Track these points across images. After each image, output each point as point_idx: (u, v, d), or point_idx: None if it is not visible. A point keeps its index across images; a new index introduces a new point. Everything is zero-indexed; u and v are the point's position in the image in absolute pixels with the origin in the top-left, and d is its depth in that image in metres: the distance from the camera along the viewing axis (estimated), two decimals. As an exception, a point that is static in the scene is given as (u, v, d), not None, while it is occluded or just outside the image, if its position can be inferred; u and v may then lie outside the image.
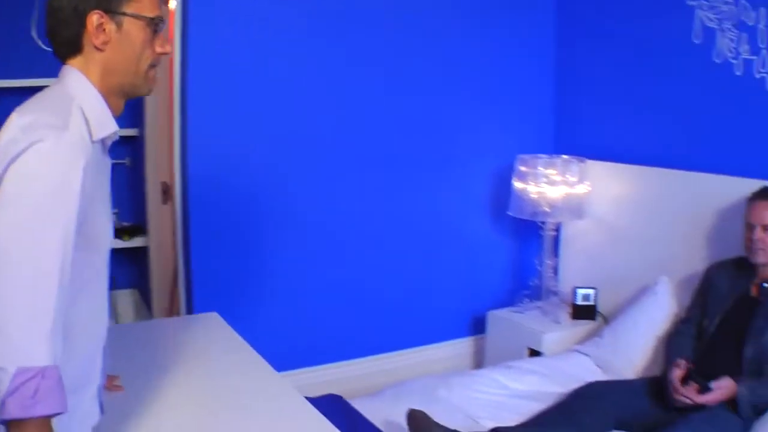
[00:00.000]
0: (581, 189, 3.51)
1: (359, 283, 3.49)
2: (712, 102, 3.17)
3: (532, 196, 3.47)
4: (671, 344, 2.78)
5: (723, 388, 2.34)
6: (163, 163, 3.16)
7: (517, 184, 3.53)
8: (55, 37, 1.32)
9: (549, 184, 3.45)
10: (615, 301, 3.40)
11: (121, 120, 1.40)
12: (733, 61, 3.03)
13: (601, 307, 3.49)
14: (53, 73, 1.35)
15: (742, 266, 2.68)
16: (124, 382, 1.80)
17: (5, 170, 1.16)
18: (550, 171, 3.46)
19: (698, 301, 2.84)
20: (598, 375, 2.92)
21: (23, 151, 1.16)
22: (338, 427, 2.32)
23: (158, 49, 1.38)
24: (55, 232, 1.17)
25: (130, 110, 3.66)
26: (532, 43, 3.87)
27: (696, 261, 3.08)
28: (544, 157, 3.51)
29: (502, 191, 3.74)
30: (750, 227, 2.60)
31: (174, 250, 3.18)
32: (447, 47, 3.56)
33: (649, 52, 3.43)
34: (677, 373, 2.49)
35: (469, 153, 3.71)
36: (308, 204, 3.30)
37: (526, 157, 3.53)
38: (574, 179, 3.48)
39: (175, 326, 2.64)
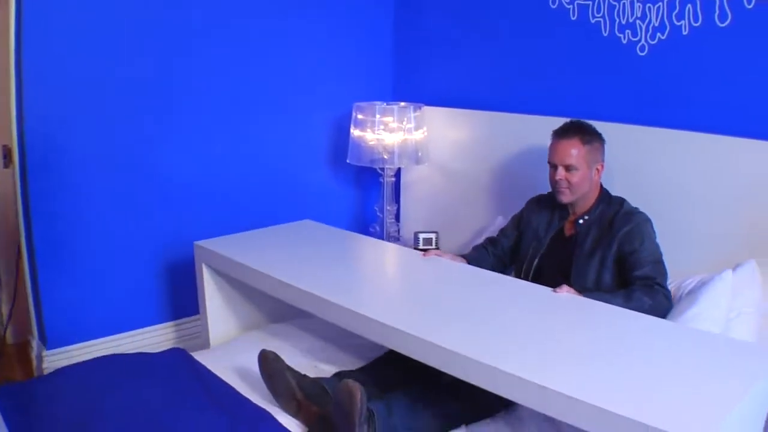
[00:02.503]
0: (418, 135, 3.56)
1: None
2: (547, 46, 3.26)
3: (370, 143, 3.49)
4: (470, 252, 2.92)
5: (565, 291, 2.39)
6: (5, 124, 2.94)
7: (355, 132, 3.53)
8: None
9: (387, 131, 3.48)
10: (456, 244, 3.47)
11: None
12: (568, 6, 3.13)
13: (443, 250, 3.57)
14: None
15: (558, 203, 2.73)
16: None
17: None
18: (387, 118, 3.48)
19: (511, 231, 2.92)
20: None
21: None
22: (183, 381, 2.31)
23: None
24: None
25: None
26: (370, -9, 3.86)
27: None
28: (380, 105, 3.53)
29: (341, 139, 3.75)
30: (553, 167, 2.66)
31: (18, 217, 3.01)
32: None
33: (485, -2, 3.51)
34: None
35: (307, 102, 3.67)
36: (150, 160, 3.18)
37: (362, 104, 3.54)
38: (411, 126, 3.51)
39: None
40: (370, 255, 2.96)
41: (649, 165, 2.86)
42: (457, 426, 2.18)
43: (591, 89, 3.12)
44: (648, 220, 2.58)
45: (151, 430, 1.99)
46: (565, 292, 2.35)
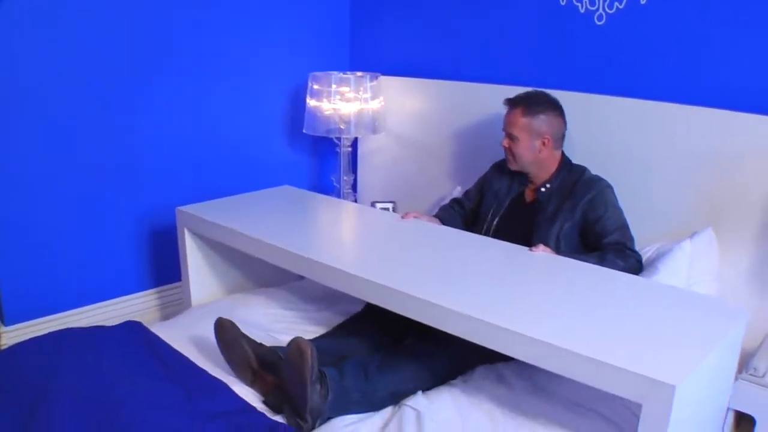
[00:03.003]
0: (375, 105, 3.56)
1: (160, 212, 3.39)
2: (505, 16, 3.27)
3: (326, 113, 3.48)
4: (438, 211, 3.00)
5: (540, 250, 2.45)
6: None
7: (311, 102, 3.51)
8: None
9: (343, 101, 3.47)
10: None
11: None
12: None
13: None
14: None
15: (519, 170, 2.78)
16: None
17: None
18: (343, 88, 3.47)
19: (475, 193, 2.99)
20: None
21: None
22: (138, 354, 2.30)
23: None
24: None
25: None
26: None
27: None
28: (336, 74, 3.51)
29: (298, 109, 3.72)
30: (504, 134, 2.72)
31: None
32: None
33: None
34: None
35: (263, 72, 3.64)
36: (108, 132, 3.13)
37: (318, 74, 3.52)
38: (367, 95, 3.51)
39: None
40: (351, 218, 2.99)
41: (607, 134, 2.89)
42: (413, 391, 2.21)
43: (549, 58, 3.14)
44: (609, 187, 2.63)
45: (106, 404, 1.98)
46: (541, 251, 2.42)
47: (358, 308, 2.69)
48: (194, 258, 2.96)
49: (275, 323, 2.67)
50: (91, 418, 1.93)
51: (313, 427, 2.05)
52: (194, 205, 2.96)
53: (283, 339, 2.48)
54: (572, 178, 2.68)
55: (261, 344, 2.28)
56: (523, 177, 2.78)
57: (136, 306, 3.43)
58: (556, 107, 2.69)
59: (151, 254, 3.45)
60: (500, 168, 2.90)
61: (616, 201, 2.62)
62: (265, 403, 2.16)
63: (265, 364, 2.21)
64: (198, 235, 2.92)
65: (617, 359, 1.67)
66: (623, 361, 1.66)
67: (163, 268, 3.50)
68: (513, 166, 2.72)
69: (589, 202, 2.58)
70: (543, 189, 2.71)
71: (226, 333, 2.24)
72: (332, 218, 2.95)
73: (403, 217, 2.81)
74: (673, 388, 1.57)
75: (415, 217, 2.81)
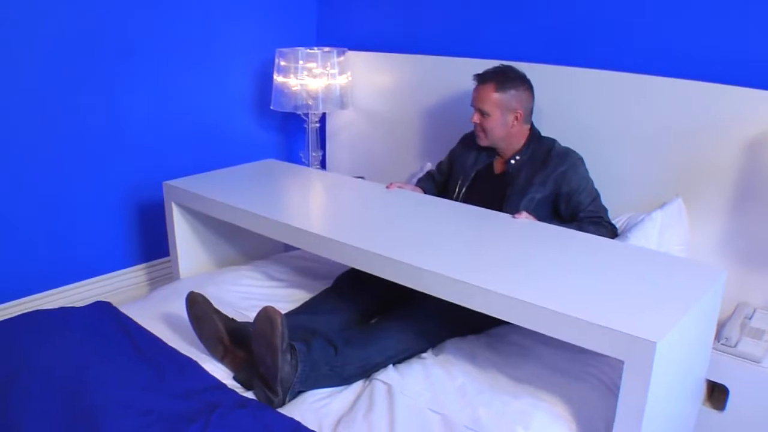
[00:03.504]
0: (342, 80, 3.55)
1: (143, 188, 3.37)
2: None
3: (294, 89, 3.47)
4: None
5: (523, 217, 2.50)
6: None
7: (278, 79, 3.50)
8: None
9: (310, 76, 3.45)
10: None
11: None
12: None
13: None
14: None
15: None
16: None
17: None
18: (310, 64, 3.45)
19: (446, 165, 3.02)
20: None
21: None
22: (108, 334, 2.29)
23: None
24: None
25: None
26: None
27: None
28: (303, 50, 3.49)
29: (266, 86, 3.71)
30: (473, 109, 2.73)
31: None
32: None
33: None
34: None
35: (230, 49, 3.62)
36: (81, 107, 3.09)
37: (285, 50, 3.50)
38: (334, 71, 3.50)
39: None
40: (337, 189, 2.99)
41: (574, 106, 2.91)
42: (384, 365, 2.23)
43: (514, 31, 3.15)
44: (581, 159, 2.66)
45: (77, 386, 1.98)
46: (524, 218, 2.45)
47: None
48: (182, 232, 2.97)
49: (246, 300, 2.68)
50: (62, 400, 1.93)
51: (284, 402, 2.06)
52: (181, 179, 2.97)
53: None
54: (542, 150, 2.70)
55: (233, 319, 2.28)
56: (491, 149, 2.80)
57: (125, 281, 3.44)
58: (524, 81, 2.70)
59: (138, 230, 3.45)
60: (468, 140, 2.92)
61: (588, 173, 2.66)
62: (235, 379, 2.17)
63: (236, 340, 2.22)
64: (185, 209, 2.93)
65: (600, 318, 1.72)
66: (605, 320, 1.71)
67: (152, 244, 3.50)
68: (483, 142, 2.73)
69: (562, 174, 2.61)
70: (513, 161, 2.73)
71: (198, 307, 2.24)
72: (318, 189, 2.95)
73: (387, 187, 2.83)
74: (653, 344, 1.61)
75: (399, 186, 2.84)
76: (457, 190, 2.82)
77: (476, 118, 2.69)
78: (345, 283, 2.62)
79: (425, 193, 2.92)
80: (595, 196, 2.63)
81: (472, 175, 2.81)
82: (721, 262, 2.62)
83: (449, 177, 2.95)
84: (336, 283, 2.65)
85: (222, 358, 2.22)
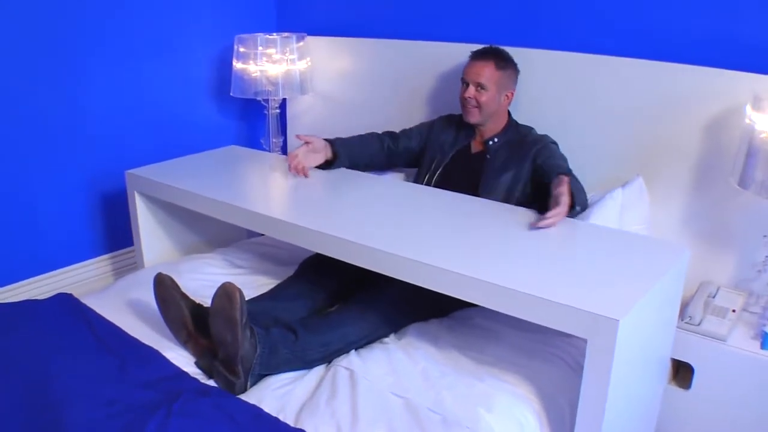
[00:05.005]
0: (302, 65, 3.52)
1: (104, 178, 3.32)
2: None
3: (253, 75, 3.43)
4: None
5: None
6: None
7: (237, 65, 3.46)
8: None
9: (270, 62, 3.42)
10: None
11: None
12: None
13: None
14: None
15: (464, 125, 2.82)
16: None
17: None
18: (269, 50, 3.42)
19: (416, 135, 2.98)
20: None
21: None
22: (70, 326, 2.26)
23: None
24: None
25: None
26: None
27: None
28: (262, 36, 3.45)
29: (225, 73, 3.66)
30: (465, 84, 2.72)
31: None
32: None
33: None
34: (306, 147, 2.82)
35: (188, 36, 3.56)
36: (41, 99, 3.02)
37: (244, 36, 3.46)
38: (294, 57, 3.47)
39: None
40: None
41: (535, 87, 2.90)
42: (346, 350, 2.23)
43: (475, 13, 3.13)
44: (555, 142, 2.71)
45: (38, 378, 1.96)
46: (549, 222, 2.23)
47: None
48: (146, 221, 2.95)
49: (209, 289, 2.62)
50: (25, 394, 1.91)
51: (246, 385, 2.05)
52: (144, 167, 2.93)
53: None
54: (520, 135, 2.75)
55: (199, 305, 2.26)
56: (469, 130, 2.82)
57: (89, 273, 3.39)
58: (515, 66, 2.77)
59: (101, 220, 3.40)
60: (448, 120, 2.95)
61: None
62: (197, 365, 2.15)
63: (200, 326, 2.19)
64: (149, 198, 2.90)
65: (563, 297, 1.73)
66: (568, 299, 1.72)
67: (115, 234, 3.46)
68: (474, 118, 2.72)
69: (539, 150, 2.64)
70: (491, 142, 2.75)
71: (165, 290, 2.22)
72: (280, 175, 2.91)
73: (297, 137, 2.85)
74: (616, 322, 1.62)
75: (306, 141, 2.83)
76: (432, 168, 2.83)
77: (471, 92, 2.68)
78: (309, 269, 2.61)
79: (344, 146, 2.90)
80: (568, 167, 2.64)
81: (450, 155, 2.82)
82: (683, 241, 2.64)
83: (423, 150, 2.93)
84: (299, 269, 2.64)
85: (185, 342, 2.20)
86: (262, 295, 2.52)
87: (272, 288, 2.57)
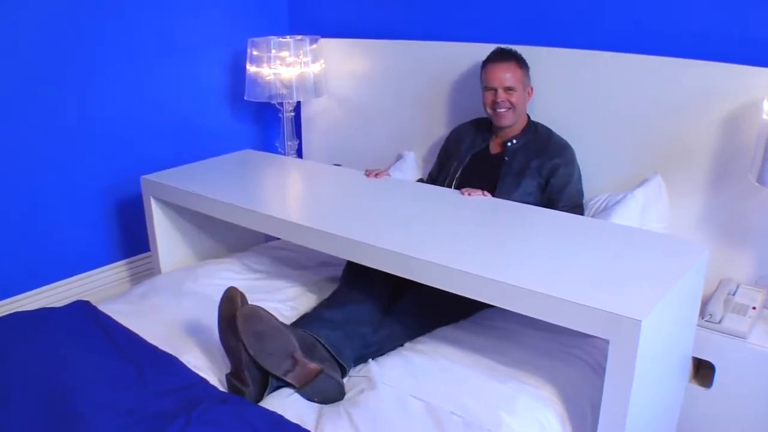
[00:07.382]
0: (316, 68, 3.51)
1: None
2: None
3: (267, 79, 3.43)
4: None
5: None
6: None
7: (251, 69, 3.46)
8: None
9: (283, 65, 3.42)
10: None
11: None
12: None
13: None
14: None
15: (482, 125, 2.85)
16: None
17: None
18: (283, 53, 3.41)
19: (440, 161, 3.00)
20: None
21: None
22: (87, 334, 2.26)
23: None
24: None
25: None
26: None
27: (437, 129, 3.24)
28: (275, 39, 3.45)
29: (239, 76, 3.66)
30: (491, 90, 2.71)
31: None
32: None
33: None
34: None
35: (202, 41, 3.56)
36: (52, 106, 3.02)
37: (257, 40, 3.46)
38: (307, 59, 3.46)
39: None
40: (315, 177, 3.00)
41: (552, 86, 2.89)
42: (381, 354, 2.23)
43: (489, 13, 3.12)
44: (575, 155, 2.72)
45: (56, 387, 1.95)
46: (479, 195, 2.49)
47: (323, 271, 2.76)
48: (162, 226, 2.95)
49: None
50: (42, 402, 1.90)
51: (256, 394, 2.00)
52: (159, 173, 2.94)
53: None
54: (541, 137, 2.75)
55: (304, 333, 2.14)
56: (487, 132, 2.83)
57: (106, 279, 3.39)
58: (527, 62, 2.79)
59: (117, 226, 3.41)
60: (458, 132, 2.96)
61: (578, 170, 2.71)
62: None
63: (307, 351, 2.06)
64: (164, 203, 2.91)
65: (584, 298, 1.71)
66: (590, 300, 1.70)
67: (132, 239, 3.46)
68: (508, 120, 2.73)
69: (555, 166, 2.65)
70: (510, 144, 2.75)
71: (259, 321, 2.01)
72: (296, 178, 2.93)
73: (376, 176, 2.82)
74: (639, 323, 1.61)
75: (376, 175, 2.82)
76: (451, 172, 2.83)
77: (501, 96, 2.68)
78: (355, 277, 2.46)
79: None
80: (579, 189, 2.68)
81: (468, 157, 2.82)
82: (702, 239, 2.62)
83: (443, 171, 2.93)
84: (346, 278, 2.51)
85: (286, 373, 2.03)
86: (322, 303, 2.41)
87: (330, 296, 2.44)
